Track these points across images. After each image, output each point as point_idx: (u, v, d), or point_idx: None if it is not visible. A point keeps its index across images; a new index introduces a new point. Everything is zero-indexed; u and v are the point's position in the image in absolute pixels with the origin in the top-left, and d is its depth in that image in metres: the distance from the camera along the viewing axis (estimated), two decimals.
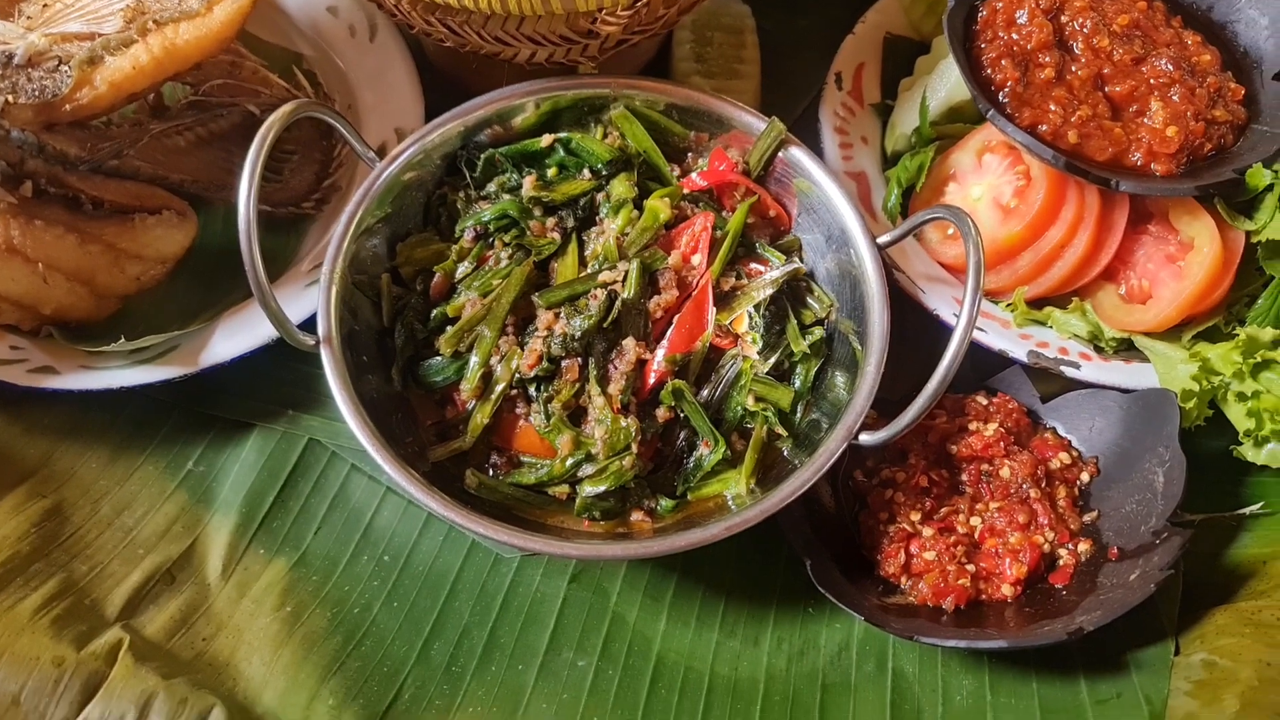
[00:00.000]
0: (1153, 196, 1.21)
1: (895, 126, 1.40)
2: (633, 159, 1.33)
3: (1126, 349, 1.24)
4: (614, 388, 1.18)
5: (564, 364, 1.19)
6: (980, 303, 1.08)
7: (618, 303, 1.20)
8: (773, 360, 1.22)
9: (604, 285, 1.22)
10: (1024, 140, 1.19)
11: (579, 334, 1.18)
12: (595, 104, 1.34)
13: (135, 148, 1.25)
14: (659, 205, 1.27)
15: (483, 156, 1.31)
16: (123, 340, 1.21)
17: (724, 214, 1.31)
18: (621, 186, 1.30)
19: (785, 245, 1.31)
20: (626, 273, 1.22)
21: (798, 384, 1.23)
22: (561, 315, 1.21)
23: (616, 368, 1.19)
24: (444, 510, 1.09)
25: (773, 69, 1.52)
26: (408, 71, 1.42)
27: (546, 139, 1.31)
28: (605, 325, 1.19)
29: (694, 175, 1.32)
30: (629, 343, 1.19)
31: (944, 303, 1.26)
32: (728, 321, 1.23)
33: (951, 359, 1.07)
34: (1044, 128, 1.23)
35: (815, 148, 1.38)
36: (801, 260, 1.29)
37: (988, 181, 1.30)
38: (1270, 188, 1.16)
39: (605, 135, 1.34)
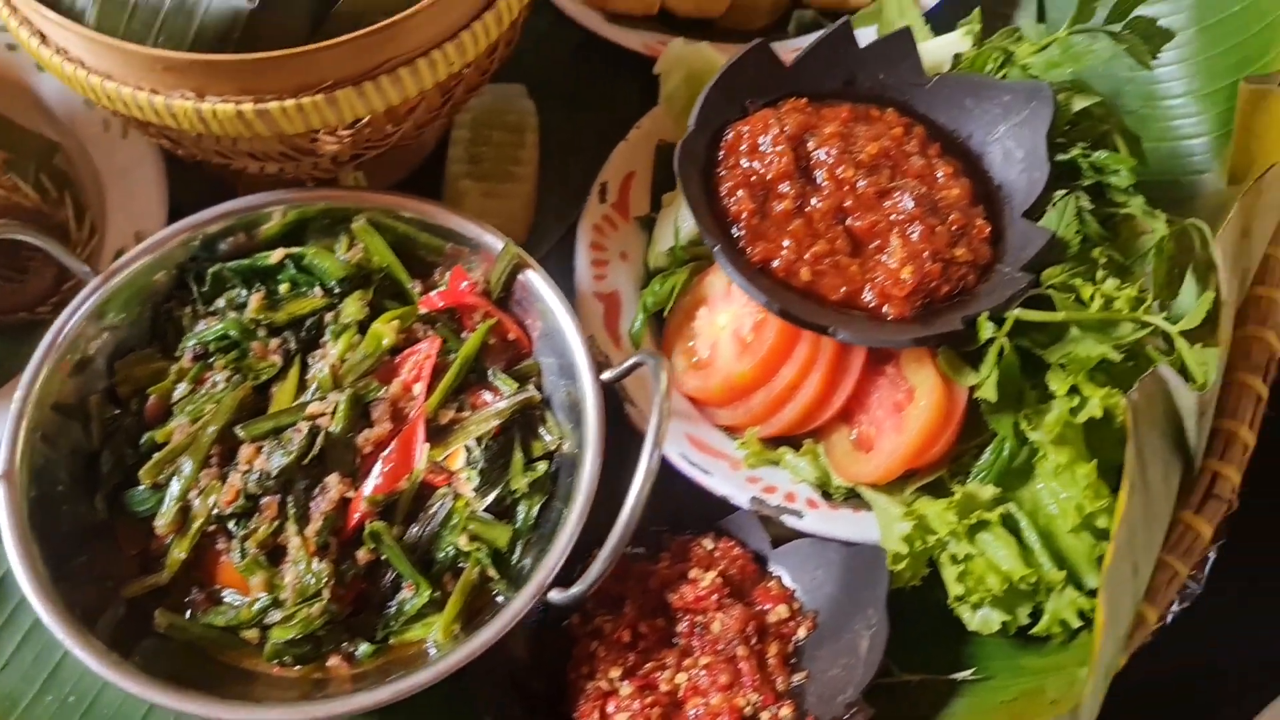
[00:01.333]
0: (869, 347, 1.16)
1: (656, 243, 1.35)
2: (374, 274, 1.29)
3: (857, 495, 1.19)
4: (311, 529, 1.13)
5: (263, 500, 1.14)
6: (656, 461, 1.04)
7: (320, 438, 1.15)
8: (493, 496, 1.18)
9: (312, 418, 1.17)
10: (741, 283, 1.14)
11: (276, 472, 1.14)
12: (342, 214, 1.30)
13: None
14: (382, 330, 1.22)
15: (210, 271, 1.27)
16: None
17: (465, 334, 1.26)
18: (353, 306, 1.25)
19: (523, 370, 1.26)
20: (336, 405, 1.17)
21: (519, 521, 1.19)
22: (264, 449, 1.16)
23: (318, 507, 1.15)
24: (97, 667, 1.05)
25: (553, 169, 1.47)
26: (156, 171, 1.37)
27: (277, 254, 1.27)
28: (307, 462, 1.15)
29: (433, 294, 1.28)
30: (333, 480, 1.15)
31: (673, 441, 1.21)
32: (441, 458, 1.18)
33: (628, 518, 1.04)
34: (777, 263, 1.18)
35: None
36: (540, 387, 1.25)
37: (733, 310, 1.25)
38: (992, 340, 1.11)
39: (352, 245, 1.30)
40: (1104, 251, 1.20)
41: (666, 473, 1.19)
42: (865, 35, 1.45)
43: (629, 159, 1.38)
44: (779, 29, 1.57)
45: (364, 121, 1.17)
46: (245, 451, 1.16)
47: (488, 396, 1.23)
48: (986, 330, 1.11)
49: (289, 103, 1.11)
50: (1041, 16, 1.31)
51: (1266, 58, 1.38)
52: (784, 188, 1.20)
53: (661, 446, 1.04)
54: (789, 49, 1.49)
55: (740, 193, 1.20)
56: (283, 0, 1.13)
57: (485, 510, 1.17)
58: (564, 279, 1.31)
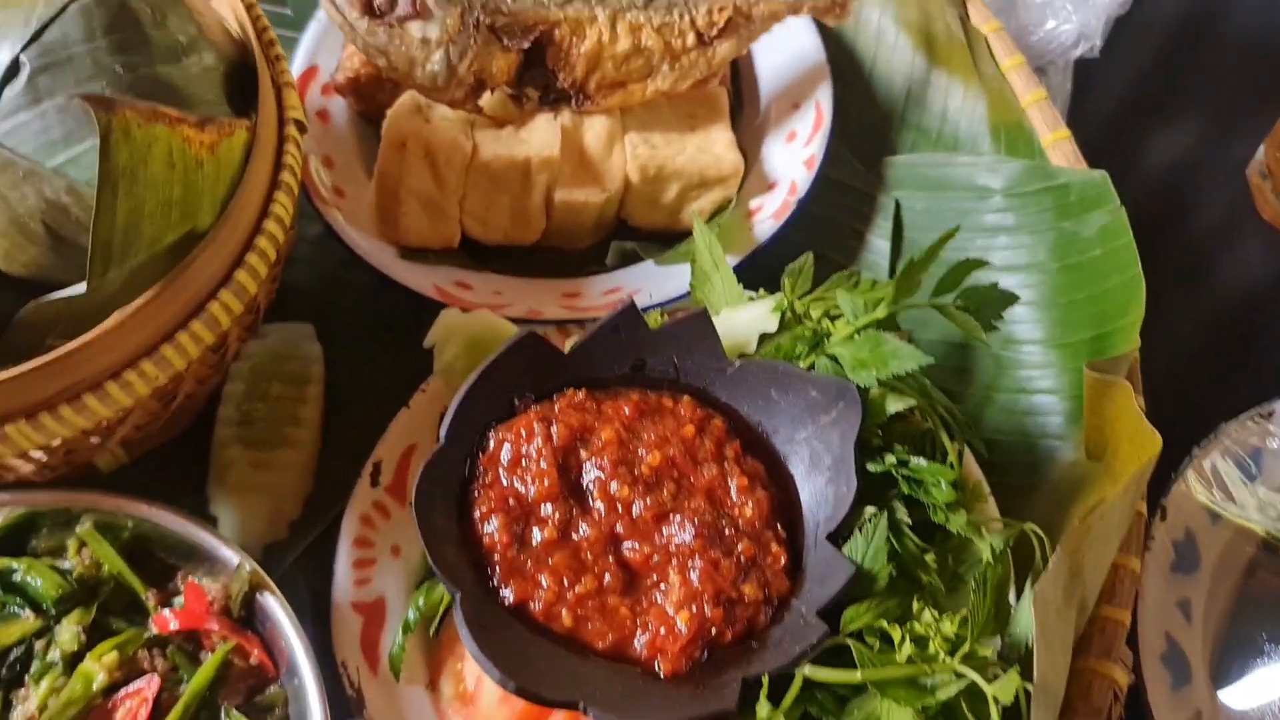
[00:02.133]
0: None
1: None
2: (103, 584, 1.13)
3: None
4: None
5: None
6: None
7: None
8: None
9: None
10: (473, 650, 0.96)
11: None
12: (66, 515, 1.15)
13: None
14: (93, 670, 1.06)
15: None
16: None
17: (205, 653, 1.11)
18: (68, 633, 1.10)
19: (267, 701, 1.10)
20: None
21: None
22: None
23: None
24: None
25: (339, 430, 1.30)
26: None
27: None
28: None
29: (167, 613, 1.12)
30: None
31: None
32: None
33: None
34: (535, 605, 1.02)
35: None
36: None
37: None
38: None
39: (81, 549, 1.14)
40: (926, 574, 1.05)
41: None
42: (679, 272, 1.31)
43: (409, 430, 1.21)
44: (607, 246, 1.41)
45: (56, 442, 1.02)
46: None
47: None
48: (763, 709, 0.95)
49: None
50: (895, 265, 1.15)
51: (1126, 318, 1.23)
52: (546, 511, 1.04)
53: None
54: (604, 288, 1.34)
55: (495, 520, 1.04)
56: None
57: None
58: None
